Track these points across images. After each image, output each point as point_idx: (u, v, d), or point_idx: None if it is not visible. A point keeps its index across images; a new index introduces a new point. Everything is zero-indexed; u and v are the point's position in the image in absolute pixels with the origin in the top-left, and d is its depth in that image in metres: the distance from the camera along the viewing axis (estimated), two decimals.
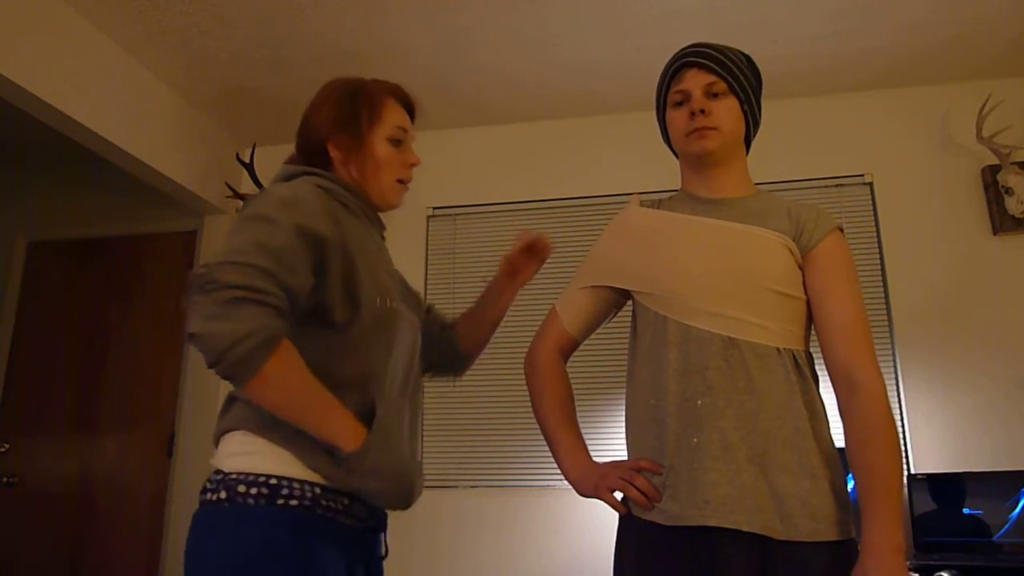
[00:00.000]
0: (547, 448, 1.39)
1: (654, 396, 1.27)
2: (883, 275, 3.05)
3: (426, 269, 3.41)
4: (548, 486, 3.06)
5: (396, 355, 1.19)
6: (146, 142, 3.02)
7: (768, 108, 3.24)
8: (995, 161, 3.04)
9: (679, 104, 1.35)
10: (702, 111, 1.30)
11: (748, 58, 1.39)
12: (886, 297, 3.02)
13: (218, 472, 1.09)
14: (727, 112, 1.32)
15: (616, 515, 1.32)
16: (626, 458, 1.32)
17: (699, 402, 1.21)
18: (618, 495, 1.30)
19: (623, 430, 2.70)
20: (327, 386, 1.08)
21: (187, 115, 3.28)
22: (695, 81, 1.33)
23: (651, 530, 1.22)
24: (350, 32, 2.81)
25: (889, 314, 2.99)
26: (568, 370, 1.45)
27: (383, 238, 1.34)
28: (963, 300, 2.96)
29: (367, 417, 1.11)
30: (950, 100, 3.17)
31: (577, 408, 1.42)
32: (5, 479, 3.47)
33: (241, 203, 3.40)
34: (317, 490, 1.07)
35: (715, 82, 1.32)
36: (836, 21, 2.78)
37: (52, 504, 3.43)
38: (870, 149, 3.19)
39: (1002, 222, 2.96)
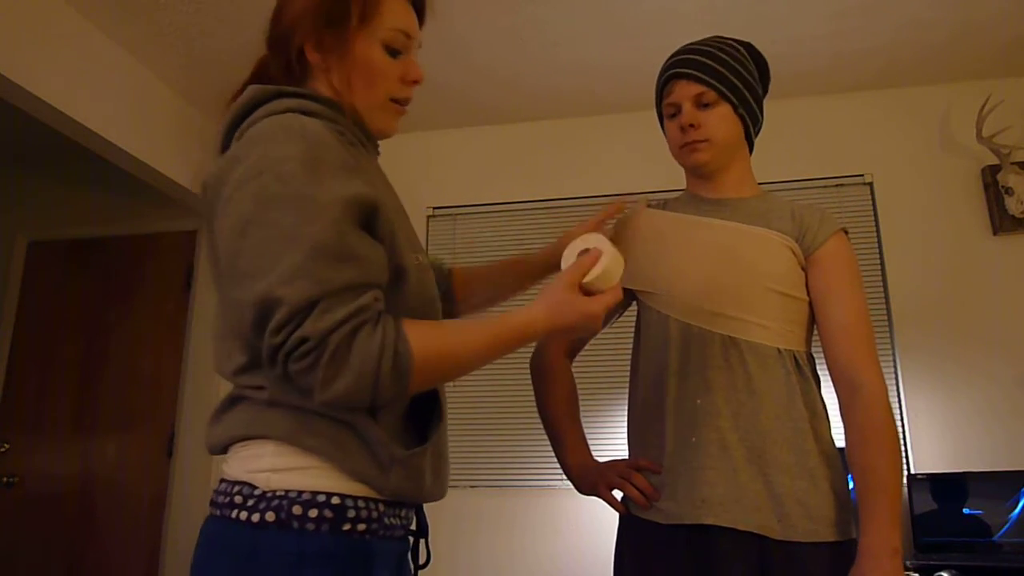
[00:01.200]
0: (547, 448, 1.40)
1: (654, 395, 1.27)
2: (883, 275, 3.05)
3: None
4: (548, 486, 3.06)
5: (437, 316, 1.03)
6: (146, 142, 3.01)
7: (768, 108, 3.23)
8: (995, 161, 3.04)
9: (672, 116, 1.34)
10: (692, 125, 1.29)
11: (748, 48, 1.36)
12: (886, 297, 3.02)
13: (248, 485, 0.89)
14: (719, 121, 1.29)
15: (616, 514, 1.33)
16: (627, 457, 1.33)
17: (697, 401, 1.21)
18: (617, 494, 1.30)
19: (624, 428, 2.70)
20: None
21: (187, 115, 3.28)
22: (684, 93, 1.30)
23: (650, 529, 1.22)
24: None
25: (889, 314, 2.99)
26: (572, 369, 1.46)
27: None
28: (963, 300, 2.96)
29: (431, 402, 0.98)
30: (950, 100, 3.17)
31: (580, 407, 1.43)
32: (5, 479, 3.47)
33: None
34: (381, 507, 0.92)
35: (704, 92, 1.29)
36: (836, 21, 2.78)
37: (52, 504, 3.43)
38: (870, 149, 3.19)
39: (1002, 222, 2.96)
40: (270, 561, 0.84)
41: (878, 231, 3.09)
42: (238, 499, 0.88)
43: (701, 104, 1.30)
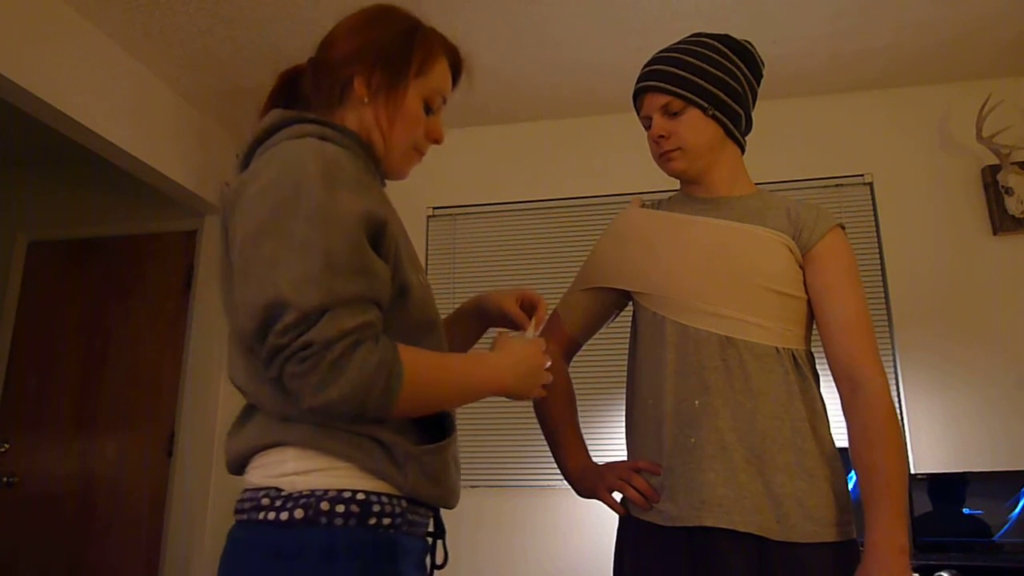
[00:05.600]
0: (547, 448, 1.40)
1: (652, 396, 1.27)
2: (883, 275, 3.05)
3: (426, 269, 3.42)
4: (548, 486, 3.06)
5: (439, 337, 1.06)
6: (146, 142, 3.01)
7: (768, 108, 3.24)
8: (995, 161, 3.04)
9: (648, 128, 1.35)
10: (662, 136, 1.31)
11: (726, 41, 1.34)
12: (886, 297, 3.02)
13: (274, 489, 0.91)
14: (689, 128, 1.29)
15: (617, 515, 1.32)
16: (626, 459, 1.32)
17: (696, 402, 1.21)
18: (617, 496, 1.30)
19: (623, 430, 2.70)
20: None
21: (187, 115, 3.28)
22: (652, 105, 1.32)
23: (649, 531, 1.22)
24: None
25: (889, 314, 2.99)
26: (569, 371, 1.45)
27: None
28: (963, 300, 2.96)
29: (438, 418, 1.01)
30: (950, 100, 3.17)
31: (578, 408, 1.43)
32: (5, 479, 3.46)
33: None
34: (404, 503, 0.94)
35: (670, 101, 1.30)
36: (836, 21, 2.78)
37: (52, 504, 3.42)
38: (870, 149, 3.19)
39: (1002, 222, 2.96)
40: (300, 556, 0.86)
41: (878, 231, 3.09)
42: (265, 501, 0.90)
43: (669, 113, 1.31)
